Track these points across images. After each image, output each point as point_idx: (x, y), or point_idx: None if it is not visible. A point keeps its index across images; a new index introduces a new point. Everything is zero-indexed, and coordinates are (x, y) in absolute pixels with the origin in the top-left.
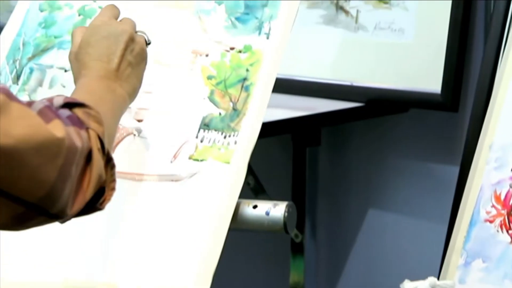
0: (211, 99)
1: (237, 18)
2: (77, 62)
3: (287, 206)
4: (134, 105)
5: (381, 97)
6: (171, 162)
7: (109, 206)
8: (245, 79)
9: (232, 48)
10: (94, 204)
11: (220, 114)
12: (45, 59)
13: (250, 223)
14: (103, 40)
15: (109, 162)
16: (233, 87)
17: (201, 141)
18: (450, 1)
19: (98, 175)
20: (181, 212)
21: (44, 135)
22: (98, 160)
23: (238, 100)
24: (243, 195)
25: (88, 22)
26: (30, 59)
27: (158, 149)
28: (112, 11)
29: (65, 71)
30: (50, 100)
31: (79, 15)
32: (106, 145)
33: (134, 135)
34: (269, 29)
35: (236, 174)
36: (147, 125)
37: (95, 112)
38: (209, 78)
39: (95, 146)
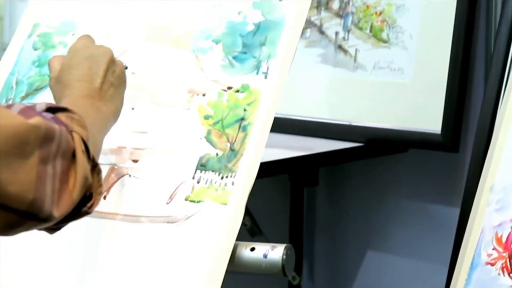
0: (208, 139)
1: (234, 57)
2: (59, 84)
3: (285, 248)
4: (129, 145)
5: (380, 137)
6: (167, 203)
7: (103, 248)
8: (242, 119)
9: (229, 88)
10: (82, 208)
11: (217, 154)
12: (38, 98)
13: (247, 266)
14: (85, 61)
15: (95, 167)
16: (231, 127)
17: (198, 182)
18: (450, 40)
19: (84, 176)
20: (177, 255)
21: (24, 128)
22: (82, 161)
23: (235, 140)
24: (239, 236)
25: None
26: (23, 98)
27: (154, 190)
28: (89, 37)
29: None
30: (32, 105)
31: None
32: (91, 151)
33: (129, 175)
34: (267, 68)
35: (234, 216)
36: (142, 166)
37: (78, 117)
38: (206, 117)
39: (79, 147)
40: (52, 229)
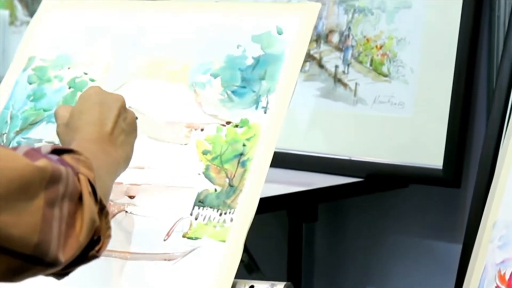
0: (206, 175)
1: (233, 92)
2: (69, 129)
3: (285, 286)
4: (125, 180)
5: (381, 172)
6: (164, 240)
7: (99, 286)
8: (241, 154)
9: (228, 122)
10: (90, 252)
11: (215, 190)
12: (33, 133)
13: None
14: (96, 106)
15: (103, 209)
16: (229, 162)
17: (196, 219)
18: (452, 74)
19: (91, 219)
20: None
21: (29, 170)
22: (89, 203)
23: (234, 176)
24: (236, 273)
25: (79, 95)
26: (18, 133)
27: (151, 227)
28: (100, 86)
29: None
30: (37, 148)
31: (69, 87)
32: (99, 193)
33: (126, 212)
34: (267, 102)
35: (232, 253)
36: (139, 202)
37: (84, 158)
38: (204, 153)
39: (86, 189)
40: (59, 275)
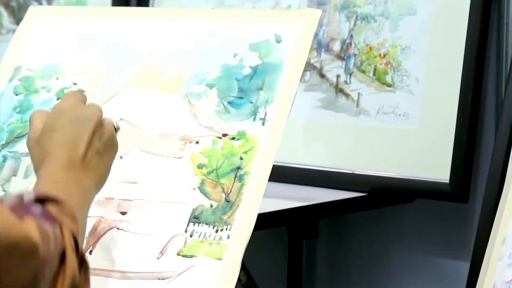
0: (202, 190)
1: (230, 103)
2: (39, 148)
3: None
4: (117, 196)
5: (385, 186)
6: (158, 258)
7: None
8: (238, 168)
9: (224, 135)
10: None
11: (211, 206)
12: (19, 147)
13: None
14: (69, 124)
15: (82, 263)
16: (226, 176)
17: (191, 236)
18: (459, 84)
19: (72, 277)
20: None
21: (18, 235)
22: (72, 261)
23: (231, 190)
24: None
25: (55, 105)
26: (3, 146)
27: (144, 244)
28: (79, 95)
29: None
30: (20, 196)
31: (58, 98)
32: (80, 245)
33: (117, 228)
34: (265, 114)
35: (229, 272)
36: (131, 218)
37: (68, 208)
38: (200, 167)
39: (69, 245)
40: None
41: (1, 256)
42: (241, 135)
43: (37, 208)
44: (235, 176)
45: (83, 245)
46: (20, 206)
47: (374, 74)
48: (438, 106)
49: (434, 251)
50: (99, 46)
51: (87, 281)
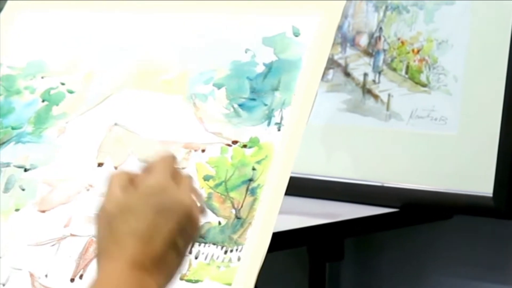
0: (209, 205)
1: (241, 105)
2: (109, 229)
3: None
4: None
5: (419, 201)
6: None
7: None
8: (251, 180)
9: (234, 142)
10: None
11: (219, 223)
12: (1, 155)
13: None
14: (151, 211)
15: None
16: (236, 190)
17: (196, 258)
18: (503, 83)
19: None
20: None
21: None
22: None
23: (242, 206)
24: None
25: (55, 109)
26: None
27: None
28: (171, 164)
29: (25, 170)
30: None
31: (43, 100)
32: None
33: None
34: (281, 118)
35: None
36: None
37: None
38: (206, 178)
39: None
40: None
41: None
42: (253, 142)
43: None
44: (247, 190)
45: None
46: None
47: (406, 73)
48: (480, 108)
49: (475, 274)
50: (91, 41)
51: None
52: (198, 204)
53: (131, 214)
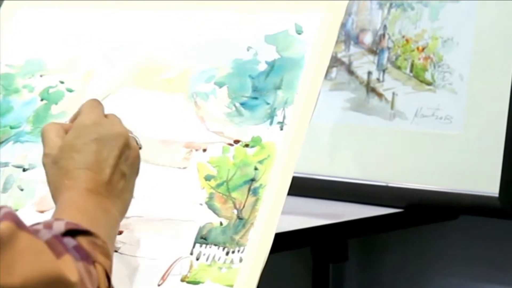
0: (210, 205)
1: (243, 104)
2: (57, 168)
3: None
4: None
5: (424, 201)
6: (159, 285)
7: None
8: (253, 180)
9: (236, 141)
10: None
11: (221, 224)
12: None
13: None
14: (93, 144)
15: None
16: (238, 190)
17: (197, 259)
18: (510, 82)
19: None
20: None
21: (56, 275)
22: None
23: (244, 206)
24: None
25: (54, 108)
26: None
27: (143, 269)
28: (99, 107)
29: (24, 170)
30: (49, 225)
31: (42, 99)
32: (112, 284)
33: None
34: (284, 117)
35: None
36: (128, 238)
37: (101, 242)
38: (208, 178)
39: (102, 283)
40: None
41: None
42: (255, 142)
43: (69, 241)
44: (249, 190)
45: None
46: (56, 241)
47: (411, 71)
48: (486, 107)
49: (480, 276)
50: (90, 39)
51: None
52: (135, 138)
53: (74, 151)
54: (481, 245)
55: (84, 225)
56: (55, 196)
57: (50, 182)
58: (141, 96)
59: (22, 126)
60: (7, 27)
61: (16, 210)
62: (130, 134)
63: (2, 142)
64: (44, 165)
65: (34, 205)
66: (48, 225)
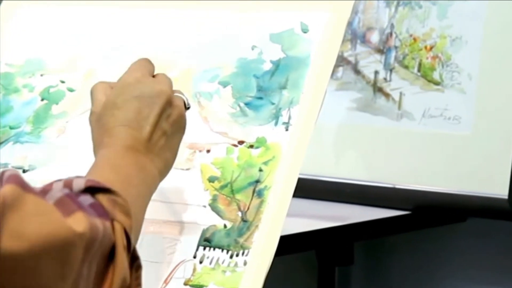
0: (214, 207)
1: (247, 104)
2: (100, 126)
3: None
4: None
5: (432, 203)
6: None
7: None
8: (257, 181)
9: (240, 142)
10: None
11: (225, 226)
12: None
13: None
14: (134, 101)
15: (134, 261)
16: (243, 191)
17: (201, 262)
18: None
19: (122, 278)
20: None
21: (64, 233)
22: (122, 260)
23: (248, 208)
24: None
25: (54, 108)
26: None
27: (145, 272)
28: (147, 66)
29: (23, 171)
30: (69, 183)
31: (42, 99)
32: (133, 242)
33: None
34: (289, 117)
35: None
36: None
37: (122, 200)
38: (211, 180)
39: (121, 242)
40: None
41: (45, 260)
42: (260, 143)
43: (86, 199)
44: (254, 191)
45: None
46: (67, 199)
47: (419, 70)
48: (495, 107)
49: (490, 279)
50: (91, 38)
51: (138, 283)
52: (182, 97)
53: (116, 108)
54: (490, 248)
55: (113, 183)
56: (94, 154)
57: (93, 140)
58: None
59: (22, 126)
60: (7, 25)
61: None
62: (177, 94)
63: (2, 142)
64: (90, 122)
65: None
66: (68, 183)
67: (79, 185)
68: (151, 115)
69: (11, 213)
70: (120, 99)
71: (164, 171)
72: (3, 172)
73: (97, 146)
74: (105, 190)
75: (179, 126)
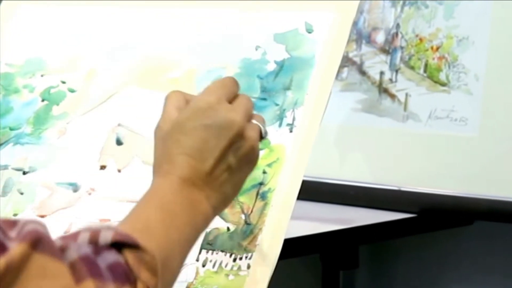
0: None
1: None
2: (163, 148)
3: None
4: (114, 217)
5: (437, 206)
6: None
7: None
8: (261, 183)
9: None
10: None
11: (228, 229)
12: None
13: None
14: (202, 129)
15: None
16: (246, 194)
17: (204, 265)
18: None
19: None
20: None
21: None
22: None
23: (252, 211)
24: None
25: (55, 109)
26: None
27: None
28: (226, 88)
29: (24, 173)
30: (96, 235)
31: (43, 100)
32: None
33: None
34: (293, 119)
35: None
36: None
37: (150, 258)
38: None
39: None
40: None
41: None
42: (264, 144)
43: (108, 257)
44: (257, 194)
45: None
46: (83, 264)
47: (425, 71)
48: (502, 109)
49: (497, 283)
50: (92, 38)
51: None
52: (259, 126)
53: (182, 134)
54: (497, 252)
55: (154, 224)
56: (153, 176)
57: (154, 158)
58: (145, 96)
59: (22, 127)
60: (7, 25)
61: (16, 214)
62: (254, 121)
63: (2, 144)
64: (154, 135)
65: (35, 209)
66: (94, 235)
67: (106, 238)
68: (217, 148)
69: (18, 278)
70: (188, 124)
71: (220, 207)
72: (26, 223)
73: (156, 169)
74: (133, 246)
75: (249, 160)
